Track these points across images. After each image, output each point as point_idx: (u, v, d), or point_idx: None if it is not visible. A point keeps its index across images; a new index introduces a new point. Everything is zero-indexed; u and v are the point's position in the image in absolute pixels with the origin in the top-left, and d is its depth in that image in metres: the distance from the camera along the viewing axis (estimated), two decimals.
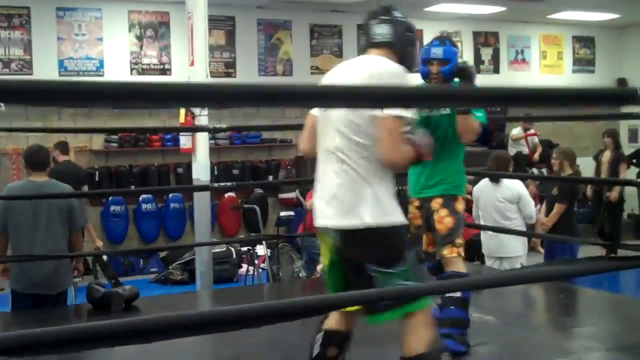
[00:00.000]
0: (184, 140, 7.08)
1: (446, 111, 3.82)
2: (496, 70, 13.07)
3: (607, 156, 10.24)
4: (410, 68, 3.10)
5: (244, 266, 8.94)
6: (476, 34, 12.90)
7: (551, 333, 4.75)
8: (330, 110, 2.93)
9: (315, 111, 3.13)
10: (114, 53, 10.28)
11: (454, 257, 3.83)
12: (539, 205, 7.59)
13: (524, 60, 13.36)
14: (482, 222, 6.52)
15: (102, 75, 10.16)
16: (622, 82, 13.95)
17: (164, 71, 10.57)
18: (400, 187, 3.59)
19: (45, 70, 9.80)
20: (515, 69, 13.25)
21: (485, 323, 4.63)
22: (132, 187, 10.15)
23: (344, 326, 3.08)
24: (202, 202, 7.17)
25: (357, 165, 2.87)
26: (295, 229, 8.83)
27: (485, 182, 6.53)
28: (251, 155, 11.15)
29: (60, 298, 5.10)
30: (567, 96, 2.02)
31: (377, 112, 2.80)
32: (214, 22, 10.18)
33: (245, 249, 9.21)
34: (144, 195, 10.33)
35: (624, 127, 13.67)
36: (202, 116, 6.79)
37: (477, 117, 3.79)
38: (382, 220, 2.83)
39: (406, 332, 2.90)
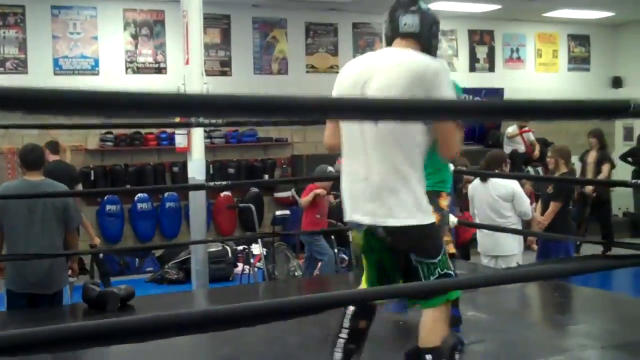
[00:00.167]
0: (180, 139, 7.07)
1: None
2: (491, 68, 13.08)
3: (592, 156, 10.17)
4: None
5: (240, 265, 8.94)
6: (471, 32, 12.90)
7: (546, 331, 4.77)
8: None
9: None
10: (109, 52, 10.27)
11: None
12: (534, 204, 7.60)
13: (519, 58, 13.37)
14: (477, 221, 6.53)
15: (97, 74, 10.15)
16: (616, 80, 13.98)
17: (159, 70, 10.56)
18: None
19: (40, 69, 9.78)
20: (511, 67, 13.26)
21: (480, 321, 4.64)
22: (128, 186, 10.13)
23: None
24: (197, 201, 7.16)
25: (400, 164, 2.94)
26: (291, 227, 8.84)
27: (479, 180, 6.54)
28: (247, 154, 11.14)
29: (55, 298, 5.09)
30: (559, 110, 2.01)
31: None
32: (209, 21, 10.18)
33: (240, 248, 9.22)
34: (139, 195, 10.30)
35: (619, 125, 13.71)
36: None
37: (457, 90, 3.71)
38: (425, 218, 2.98)
39: (425, 324, 3.00)
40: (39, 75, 9.63)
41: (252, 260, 7.90)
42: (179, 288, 8.56)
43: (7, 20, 9.72)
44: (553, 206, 6.65)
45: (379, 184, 2.96)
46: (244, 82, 10.76)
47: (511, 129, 11.76)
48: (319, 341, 4.24)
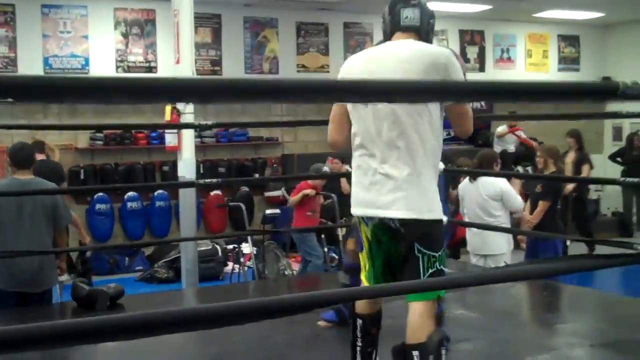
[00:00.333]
0: (170, 138, 7.06)
1: None
2: (482, 68, 13.12)
3: (570, 157, 9.97)
4: None
5: (230, 264, 8.93)
6: (462, 32, 12.94)
7: (535, 329, 4.79)
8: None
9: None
10: (99, 51, 10.25)
11: None
12: (523, 203, 7.62)
13: (509, 58, 13.42)
14: (466, 220, 6.55)
15: (87, 73, 10.11)
16: (606, 80, 14.04)
17: (150, 69, 10.54)
18: None
19: (30, 67, 9.75)
20: (501, 67, 13.30)
21: (469, 320, 4.66)
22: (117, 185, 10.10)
23: (375, 307, 3.28)
24: (187, 200, 7.15)
25: (416, 159, 3.00)
26: (282, 226, 8.84)
27: (468, 180, 6.56)
28: (237, 153, 11.13)
29: (45, 296, 5.08)
30: (549, 91, 2.03)
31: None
32: (200, 20, 10.17)
33: (231, 247, 9.21)
34: (129, 194, 10.27)
35: (608, 125, 13.78)
36: (188, 114, 6.77)
37: None
38: (439, 213, 3.08)
39: (412, 319, 3.01)
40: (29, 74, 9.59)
41: (242, 259, 7.90)
42: (168, 287, 8.56)
43: None
44: (542, 205, 6.68)
45: (397, 178, 3.00)
46: None
47: (501, 128, 11.79)
48: (308, 340, 4.25)
